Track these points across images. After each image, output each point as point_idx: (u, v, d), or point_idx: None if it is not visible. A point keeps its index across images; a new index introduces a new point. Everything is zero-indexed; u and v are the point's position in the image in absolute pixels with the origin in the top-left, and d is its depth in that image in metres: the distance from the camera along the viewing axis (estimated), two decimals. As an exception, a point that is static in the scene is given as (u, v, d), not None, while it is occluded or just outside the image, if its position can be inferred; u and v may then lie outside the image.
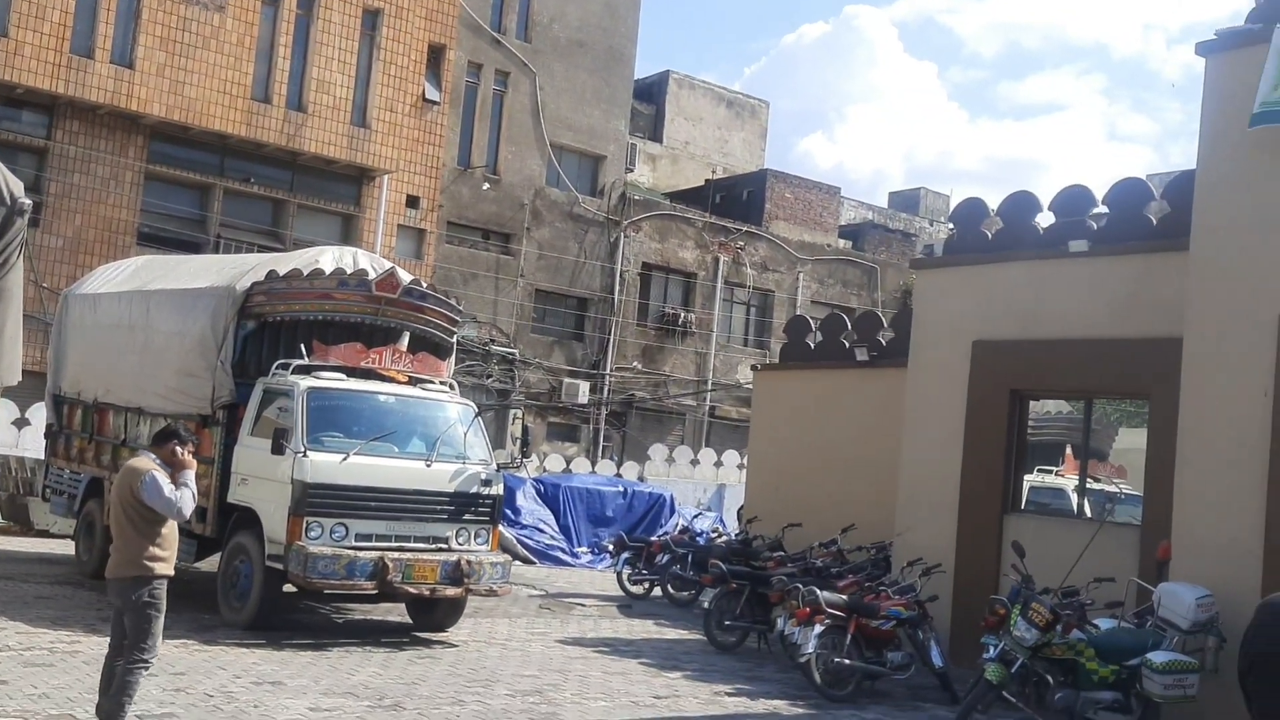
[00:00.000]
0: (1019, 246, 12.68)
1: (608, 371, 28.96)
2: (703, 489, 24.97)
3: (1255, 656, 2.97)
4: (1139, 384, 11.42)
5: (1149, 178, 24.90)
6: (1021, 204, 12.96)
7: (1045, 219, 12.76)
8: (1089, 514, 13.30)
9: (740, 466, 23.82)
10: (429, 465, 11.07)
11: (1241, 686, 2.97)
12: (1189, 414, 9.93)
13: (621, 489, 21.11)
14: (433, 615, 11.67)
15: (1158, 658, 8.64)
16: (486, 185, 27.28)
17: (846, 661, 9.88)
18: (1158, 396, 10.91)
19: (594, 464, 25.32)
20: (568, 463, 24.73)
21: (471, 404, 12.28)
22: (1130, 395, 12.40)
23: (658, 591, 15.70)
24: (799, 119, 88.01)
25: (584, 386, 28.43)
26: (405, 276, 12.24)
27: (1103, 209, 12.25)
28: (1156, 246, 11.24)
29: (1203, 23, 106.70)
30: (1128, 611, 9.85)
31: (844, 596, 10.43)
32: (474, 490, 11.28)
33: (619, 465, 25.35)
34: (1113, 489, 16.38)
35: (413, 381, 11.74)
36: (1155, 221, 11.65)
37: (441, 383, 12.14)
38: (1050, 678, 8.83)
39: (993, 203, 13.72)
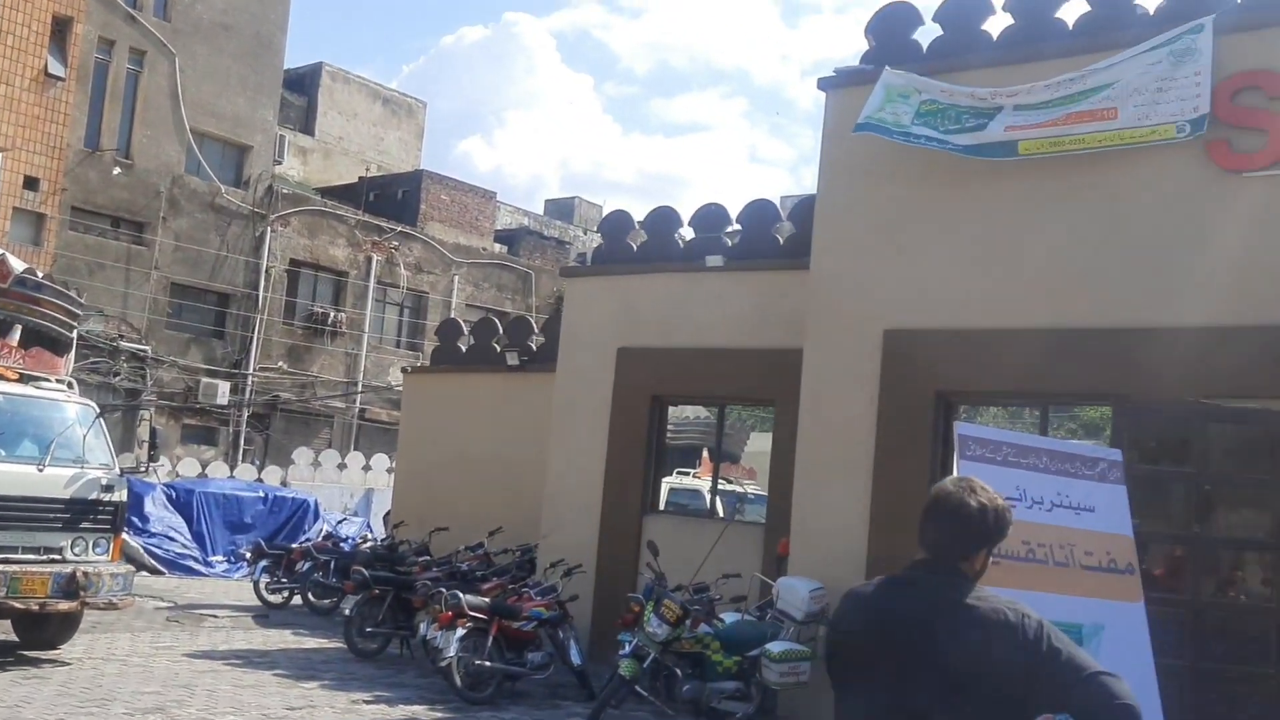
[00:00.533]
0: (661, 259, 13.26)
1: (250, 371, 27.72)
2: (350, 494, 24.41)
3: (835, 642, 3.25)
4: (766, 392, 12.22)
5: (784, 199, 26.73)
6: (664, 218, 13.57)
7: (687, 233, 13.43)
8: (721, 513, 14.09)
9: (390, 470, 23.48)
10: (41, 470, 10.21)
11: (828, 671, 3.24)
12: (807, 421, 10.72)
13: (262, 494, 20.26)
14: (44, 632, 10.75)
15: (775, 647, 9.27)
16: (118, 170, 25.43)
17: (487, 664, 9.96)
18: (781, 404, 11.72)
19: (233, 468, 24.18)
20: (204, 467, 23.48)
21: (92, 404, 11.42)
22: (758, 402, 13.26)
23: (298, 600, 15.19)
24: (458, 121, 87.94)
25: (224, 387, 27.06)
26: (18, 265, 11.20)
27: (737, 226, 13.04)
28: (783, 264, 12.07)
29: (832, 58, 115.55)
30: (751, 605, 10.50)
31: (487, 599, 10.51)
32: (93, 497, 10.49)
33: (260, 470, 24.34)
34: (743, 489, 17.46)
35: (24, 379, 10.78)
36: (782, 241, 12.52)
37: (59, 381, 11.22)
38: (679, 671, 9.27)
39: (642, 215, 14.28)
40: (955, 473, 7.69)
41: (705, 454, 19.60)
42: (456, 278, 32.24)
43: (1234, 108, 8.91)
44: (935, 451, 10.04)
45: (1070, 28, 10.02)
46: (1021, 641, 2.99)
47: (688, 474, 17.87)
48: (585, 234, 40.93)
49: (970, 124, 10.00)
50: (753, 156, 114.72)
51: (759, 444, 17.08)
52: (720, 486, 15.47)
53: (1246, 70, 8.90)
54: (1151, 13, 9.65)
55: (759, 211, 12.81)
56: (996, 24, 10.45)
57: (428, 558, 13.89)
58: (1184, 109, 9.09)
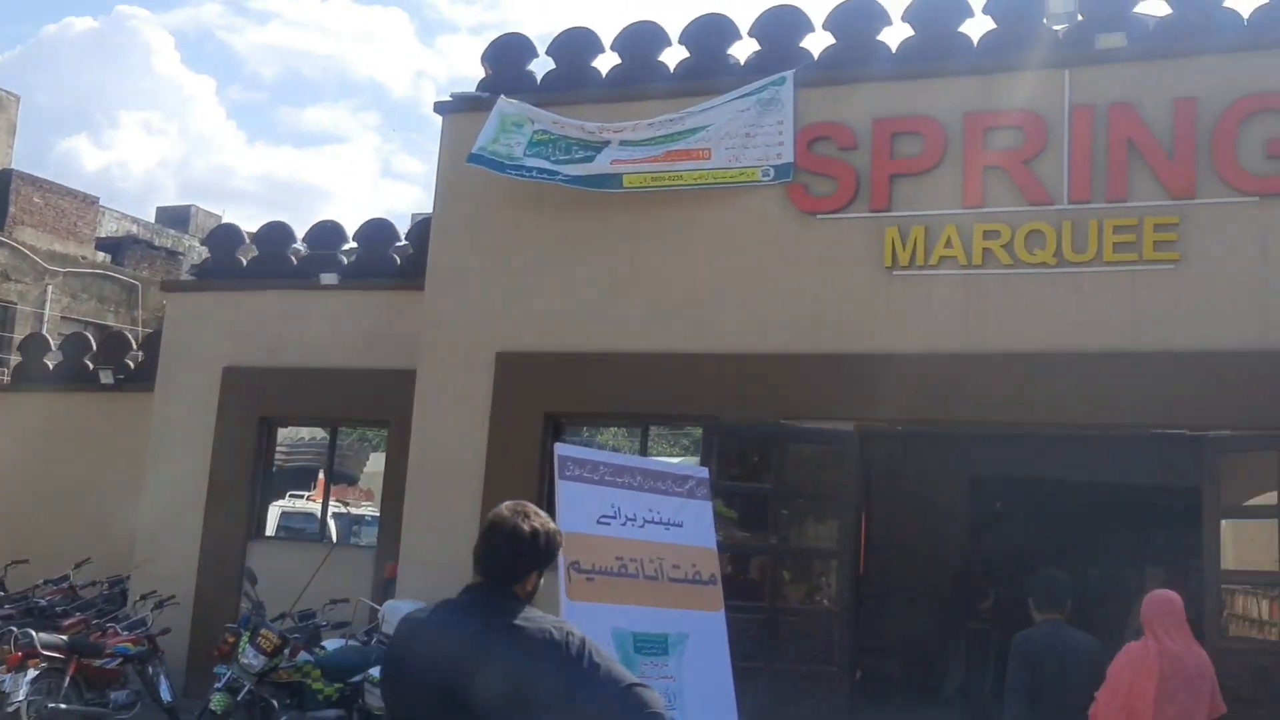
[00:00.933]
0: (273, 275, 12.82)
1: None
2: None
3: (390, 670, 3.26)
4: (380, 413, 12.08)
5: (416, 217, 26.42)
6: (277, 234, 13.14)
7: (303, 249, 13.07)
8: (335, 537, 13.77)
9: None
10: None
11: (383, 697, 3.26)
12: (418, 442, 10.71)
13: None
14: None
15: (378, 672, 9.14)
16: None
17: (63, 706, 9.20)
18: (395, 425, 11.62)
19: None
20: None
21: None
22: (372, 423, 13.12)
23: None
24: (61, 117, 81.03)
25: None
26: None
27: (354, 245, 12.84)
28: (400, 284, 12.00)
29: (469, 77, 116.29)
30: (358, 630, 10.31)
31: (64, 637, 9.71)
32: None
33: None
34: (360, 512, 17.12)
35: None
36: (399, 260, 12.45)
37: None
38: (276, 702, 8.96)
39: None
40: (557, 492, 7.95)
41: (321, 475, 19.05)
42: (51, 288, 29.63)
43: (810, 155, 9.78)
44: (545, 471, 10.30)
45: (671, 71, 10.65)
46: (565, 658, 3.14)
47: (302, 497, 17.28)
48: (201, 245, 38.82)
49: (579, 155, 10.40)
50: (386, 171, 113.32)
51: (379, 465, 16.80)
52: (336, 509, 15.13)
53: (821, 122, 9.81)
54: (743, 63, 10.42)
55: (377, 230, 12.68)
56: (606, 62, 10.94)
57: (1, 593, 12.65)
58: (769, 154, 9.89)
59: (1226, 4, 9.13)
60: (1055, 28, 9.44)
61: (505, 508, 3.38)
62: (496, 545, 3.30)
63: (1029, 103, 9.21)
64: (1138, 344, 8.72)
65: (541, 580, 3.39)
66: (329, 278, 12.44)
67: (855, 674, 9.47)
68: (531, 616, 3.23)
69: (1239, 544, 8.77)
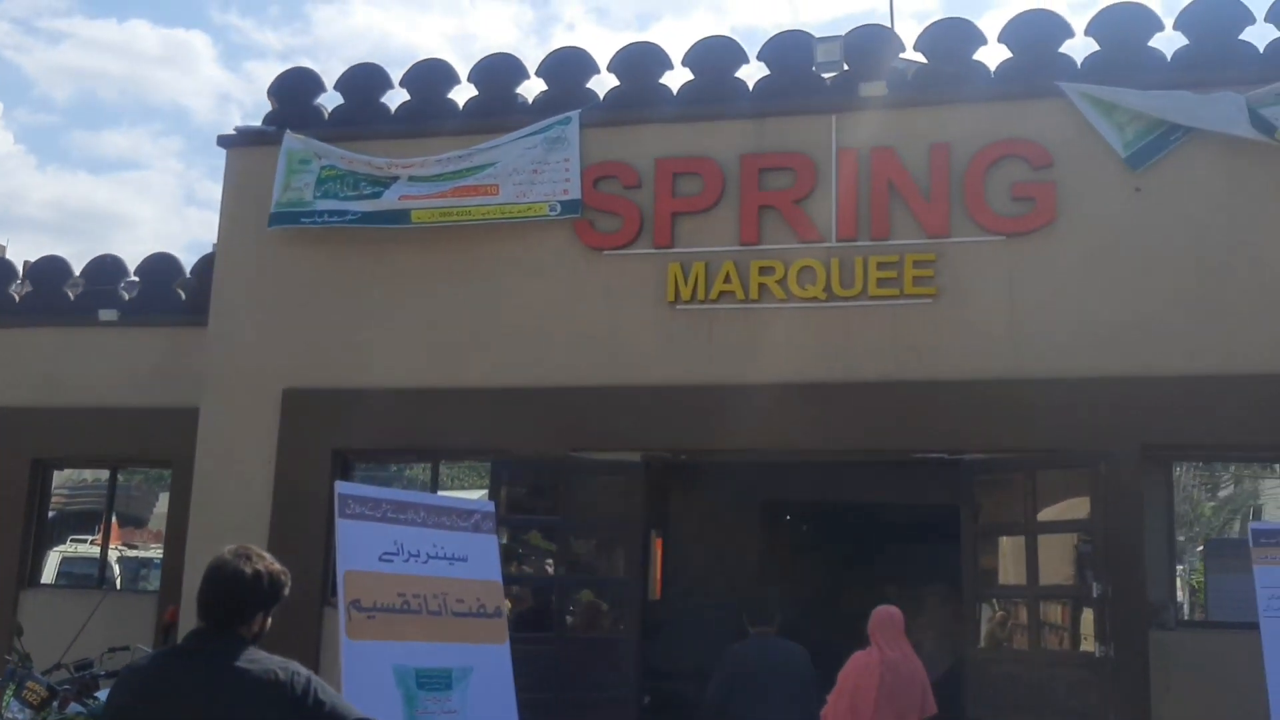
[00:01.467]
0: (48, 311, 12.32)
1: None
2: None
3: None
4: (163, 452, 11.68)
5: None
6: (52, 268, 12.63)
7: (80, 284, 12.59)
8: (118, 583, 13.25)
9: None
10: None
11: None
12: (201, 481, 10.46)
13: None
14: None
15: None
16: None
17: None
18: (178, 464, 11.29)
19: None
20: None
21: None
22: (155, 464, 12.70)
23: None
24: None
25: None
26: None
27: (136, 279, 12.45)
28: (183, 320, 11.68)
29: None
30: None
31: None
32: None
33: None
34: (149, 554, 16.49)
35: None
36: (184, 296, 12.13)
37: None
38: (46, 757, 8.58)
39: (70, 256, 13.18)
40: (337, 531, 7.90)
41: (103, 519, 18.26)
42: None
43: (596, 193, 10.04)
44: (332, 509, 10.18)
45: (460, 108, 10.76)
46: (291, 697, 3.20)
47: (85, 541, 16.52)
48: (-17, 277, 36.72)
49: (368, 191, 10.41)
50: (190, 199, 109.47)
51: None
52: (122, 553, 14.58)
53: (607, 160, 10.07)
54: (530, 101, 10.62)
55: (159, 265, 12.34)
56: (395, 98, 10.97)
57: None
58: (555, 190, 10.10)
59: (976, 57, 9.82)
60: (824, 75, 9.97)
61: (227, 551, 3.43)
62: (219, 588, 3.35)
63: (800, 145, 9.69)
64: (901, 373, 9.25)
65: (269, 621, 3.45)
66: (108, 314, 12.02)
67: (644, 699, 9.66)
68: (257, 658, 3.28)
69: (1046, 558, 9.18)
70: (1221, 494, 11.58)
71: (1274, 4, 9.31)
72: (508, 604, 8.68)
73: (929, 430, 9.15)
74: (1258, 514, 11.32)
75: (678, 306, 9.74)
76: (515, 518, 9.82)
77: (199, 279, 11.89)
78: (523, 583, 9.71)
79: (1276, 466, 9.88)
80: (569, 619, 9.64)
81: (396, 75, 10.92)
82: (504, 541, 9.51)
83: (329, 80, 11.11)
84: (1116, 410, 8.71)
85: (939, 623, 10.59)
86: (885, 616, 6.81)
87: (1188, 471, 10.18)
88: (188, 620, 10.01)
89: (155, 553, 16.60)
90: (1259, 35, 9.29)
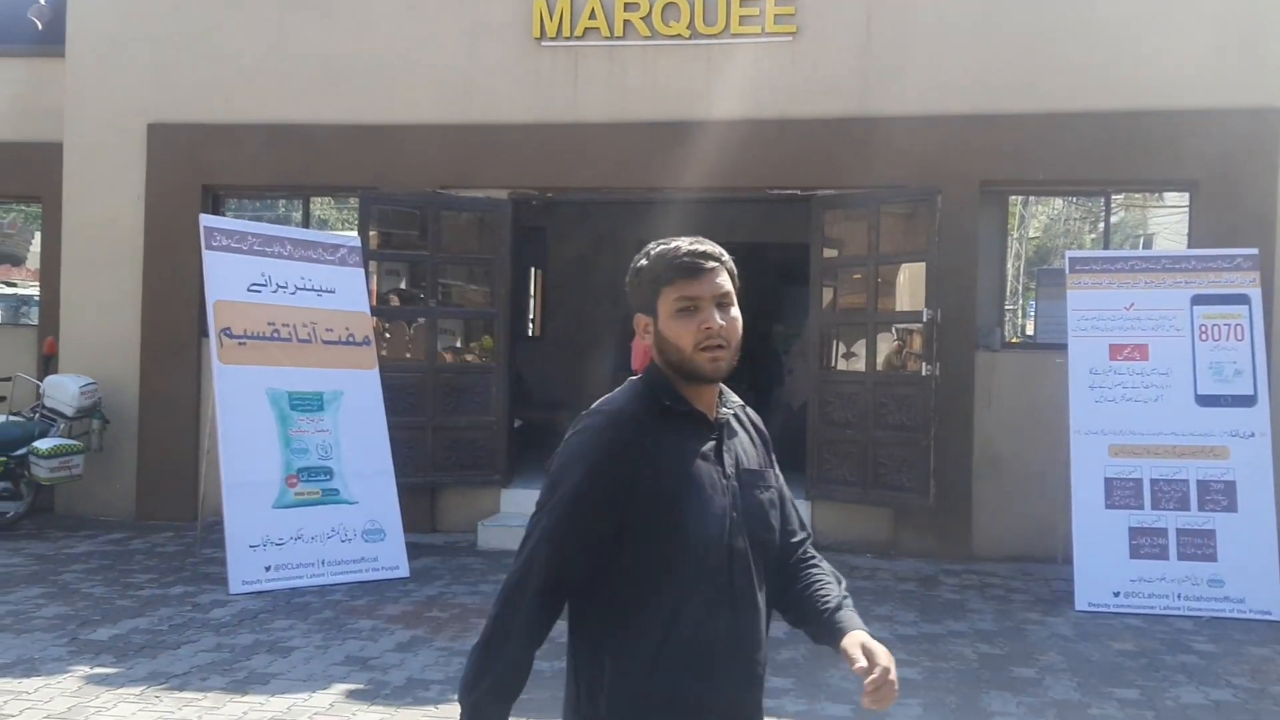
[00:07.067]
0: (-104, 40, 11.83)
1: None
2: None
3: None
4: (31, 187, 11.56)
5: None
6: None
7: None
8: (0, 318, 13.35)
9: None
10: None
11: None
12: (71, 218, 10.47)
13: None
14: None
15: (43, 444, 9.26)
16: None
17: None
18: (48, 199, 11.23)
19: None
20: None
21: None
22: (23, 199, 12.58)
23: None
24: None
25: None
26: None
27: (-14, 8, 11.97)
28: (40, 51, 11.35)
29: None
30: (24, 407, 10.26)
31: None
32: None
33: None
34: (29, 291, 16.50)
35: None
36: (40, 25, 11.72)
37: None
38: (-65, 479, 8.96)
39: None
40: (205, 262, 8.13)
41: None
42: None
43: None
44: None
45: None
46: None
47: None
48: None
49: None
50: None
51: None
52: (1, 290, 14.60)
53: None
54: None
55: (8, -8, 11.84)
56: None
57: None
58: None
59: None
60: None
61: None
62: None
63: (666, -124, 9.56)
64: (759, 111, 9.53)
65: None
66: (-41, 44, 11.60)
67: (513, 423, 10.28)
68: None
69: (885, 288, 9.76)
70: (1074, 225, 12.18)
71: None
72: (375, 331, 9.05)
73: (784, 167, 9.53)
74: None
75: (543, 43, 9.79)
76: (384, 252, 10.10)
77: (53, 7, 11.48)
78: (394, 315, 10.08)
79: (1102, 200, 10.51)
80: (440, 351, 10.04)
81: None
82: (380, 285, 9.84)
83: None
84: (957, 148, 9.17)
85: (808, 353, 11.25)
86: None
87: (1060, 206, 10.72)
88: (65, 352, 10.30)
89: (34, 290, 16.61)
90: None
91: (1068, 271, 8.27)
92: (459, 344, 10.56)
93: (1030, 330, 10.19)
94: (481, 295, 10.33)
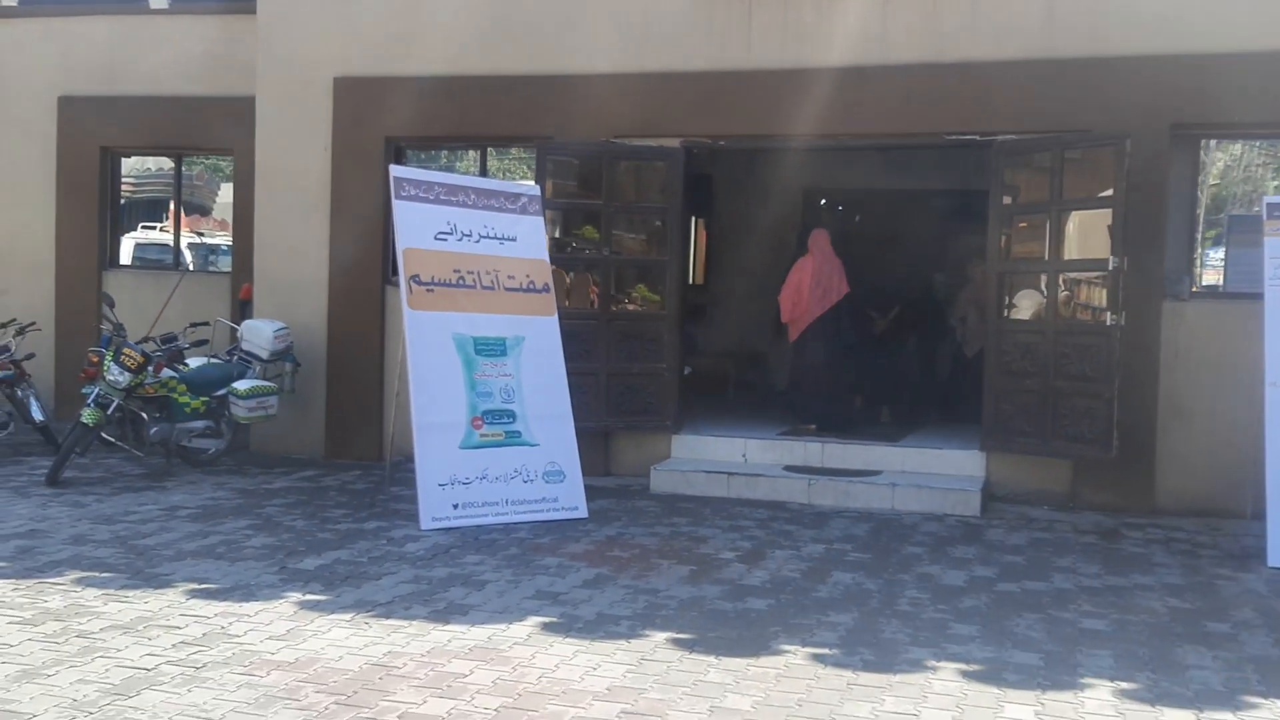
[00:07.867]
0: None
1: None
2: None
3: None
4: (223, 141, 12.14)
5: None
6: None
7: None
8: (190, 266, 14.06)
9: None
10: None
11: None
12: (263, 169, 10.95)
13: None
14: None
15: (241, 385, 9.78)
16: None
17: (-64, 429, 9.67)
18: (239, 152, 11.77)
19: None
20: None
21: None
22: (216, 151, 13.20)
23: None
24: None
25: None
26: None
27: (182, -34, 12.52)
28: (232, 7, 11.86)
29: None
30: (221, 350, 10.85)
31: (-71, 364, 10.06)
32: None
33: None
34: (215, 241, 17.32)
35: None
36: (231, -17, 12.23)
37: None
38: (146, 414, 9.55)
39: None
40: (394, 211, 8.44)
41: (172, 206, 18.97)
42: None
43: None
44: (388, 194, 10.70)
45: None
46: None
47: (154, 228, 17.31)
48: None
49: None
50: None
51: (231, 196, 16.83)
52: (191, 239, 15.35)
53: None
54: None
55: (202, -49, 12.36)
56: None
57: None
58: None
59: None
60: None
61: None
62: None
63: None
64: (938, 55, 9.34)
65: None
66: (159, 2, 12.19)
67: (684, 370, 10.40)
68: None
69: (1070, 235, 9.51)
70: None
71: None
72: (557, 278, 9.23)
73: (963, 113, 9.34)
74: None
75: (718, -10, 9.77)
76: (560, 202, 10.28)
77: (244, -34, 11.94)
78: (571, 263, 10.28)
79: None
80: (613, 297, 10.20)
81: None
82: (555, 234, 10.03)
83: None
84: (1146, 89, 8.84)
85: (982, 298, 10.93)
86: (818, 234, 10.52)
87: (1250, 150, 10.23)
88: (258, 298, 10.82)
89: (222, 239, 17.42)
90: None
91: (1265, 217, 7.93)
92: (630, 292, 10.70)
93: (1208, 280, 9.79)
94: (646, 245, 10.44)
